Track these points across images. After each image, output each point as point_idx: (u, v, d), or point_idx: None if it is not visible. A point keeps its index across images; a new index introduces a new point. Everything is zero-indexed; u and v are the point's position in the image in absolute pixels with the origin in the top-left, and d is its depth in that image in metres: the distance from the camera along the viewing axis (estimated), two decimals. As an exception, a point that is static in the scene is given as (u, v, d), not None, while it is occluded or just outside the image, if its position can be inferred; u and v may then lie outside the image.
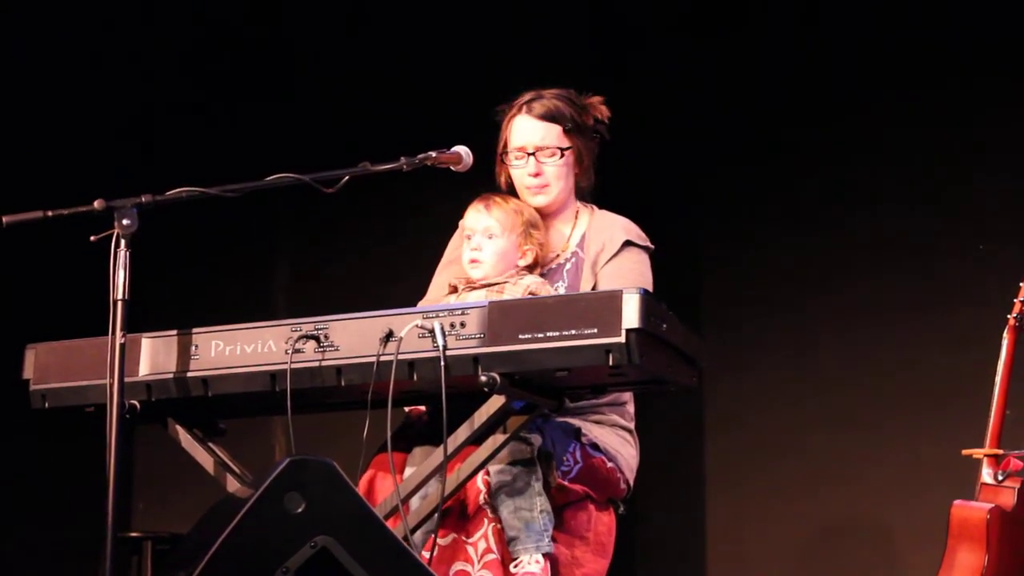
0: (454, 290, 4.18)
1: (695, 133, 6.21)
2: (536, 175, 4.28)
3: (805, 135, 6.09)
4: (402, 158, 3.94)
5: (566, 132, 4.28)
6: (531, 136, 4.29)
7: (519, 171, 4.30)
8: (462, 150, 4.05)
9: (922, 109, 5.87)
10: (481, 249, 4.16)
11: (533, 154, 4.27)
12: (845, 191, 6.04)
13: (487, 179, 4.34)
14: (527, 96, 4.32)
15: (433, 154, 3.99)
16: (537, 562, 3.79)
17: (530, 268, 4.20)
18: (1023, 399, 4.53)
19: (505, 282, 4.10)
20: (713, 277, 6.33)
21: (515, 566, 3.79)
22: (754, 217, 6.24)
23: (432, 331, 3.61)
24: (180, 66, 6.50)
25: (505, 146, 4.33)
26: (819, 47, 6.04)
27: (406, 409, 4.09)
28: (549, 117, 4.28)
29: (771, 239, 6.19)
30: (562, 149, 4.28)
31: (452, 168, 4.06)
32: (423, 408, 4.05)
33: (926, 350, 5.80)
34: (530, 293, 4.04)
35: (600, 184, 4.39)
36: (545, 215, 4.30)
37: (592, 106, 4.33)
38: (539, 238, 4.21)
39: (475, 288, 4.13)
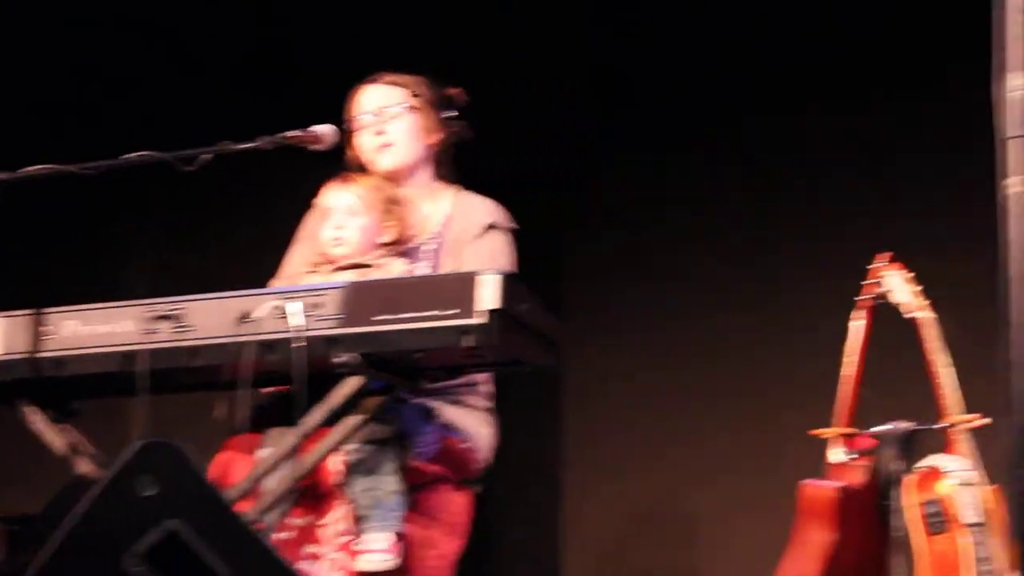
0: (315, 268, 4.17)
1: (559, 115, 6.22)
2: (380, 133, 4.28)
3: (666, 115, 6.14)
4: (262, 137, 3.92)
5: (413, 95, 4.30)
6: (374, 99, 4.32)
7: (365, 137, 4.31)
8: (323, 129, 4.04)
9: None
10: (343, 227, 4.14)
11: (377, 116, 4.29)
12: (701, 172, 6.10)
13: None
14: (376, 74, 4.36)
15: (292, 133, 3.97)
16: (385, 540, 3.79)
17: (393, 245, 4.19)
18: (871, 376, 4.60)
19: (371, 266, 4.09)
20: (575, 258, 6.38)
21: (359, 544, 3.77)
22: (617, 199, 6.29)
23: (289, 312, 3.60)
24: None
25: (350, 115, 4.33)
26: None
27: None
28: (393, 83, 4.32)
29: (630, 222, 6.25)
30: (406, 108, 4.29)
31: (312, 147, 4.04)
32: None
33: (778, 327, 5.91)
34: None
35: (464, 164, 4.40)
36: (406, 194, 4.29)
37: (449, 93, 4.35)
38: (400, 214, 4.21)
39: (341, 269, 4.11)
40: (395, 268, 4.08)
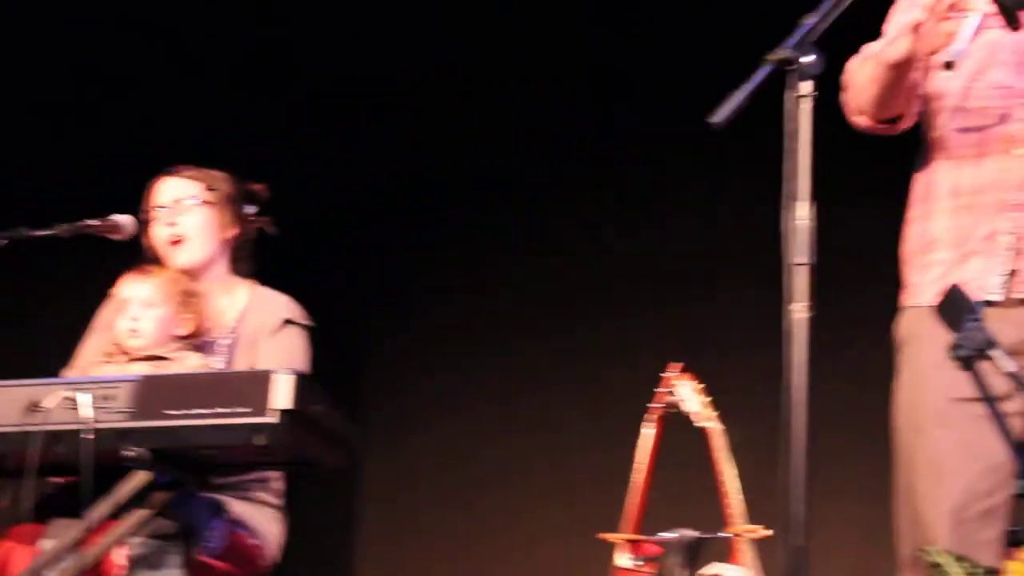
0: (109, 358, 4.13)
1: (355, 209, 6.27)
2: (172, 225, 4.26)
3: (454, 203, 6.23)
4: (60, 225, 3.89)
5: (209, 189, 4.29)
6: (170, 191, 4.30)
7: (159, 228, 4.28)
8: (122, 219, 4.01)
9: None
10: (139, 319, 4.11)
11: (173, 209, 4.27)
12: (502, 259, 6.18)
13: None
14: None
15: (91, 222, 3.94)
16: None
17: (189, 339, 4.17)
18: (660, 484, 4.67)
19: (166, 359, 4.06)
20: (375, 351, 6.39)
21: None
22: (414, 289, 6.32)
23: (80, 403, 3.57)
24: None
25: (148, 210, 4.31)
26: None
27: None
28: (191, 176, 4.31)
29: (428, 312, 6.29)
30: (201, 202, 4.28)
31: (110, 237, 4.01)
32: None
33: (575, 424, 5.98)
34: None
35: (260, 260, 4.40)
36: (202, 288, 4.26)
37: (250, 188, 4.36)
38: (197, 307, 4.18)
39: (136, 360, 4.08)
40: (190, 362, 4.06)
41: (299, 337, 4.26)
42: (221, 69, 6.33)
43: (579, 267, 6.12)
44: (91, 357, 4.24)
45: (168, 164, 4.34)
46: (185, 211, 4.28)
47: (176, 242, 4.27)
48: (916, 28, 3.22)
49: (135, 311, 4.12)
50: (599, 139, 6.07)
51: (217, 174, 4.34)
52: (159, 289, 4.14)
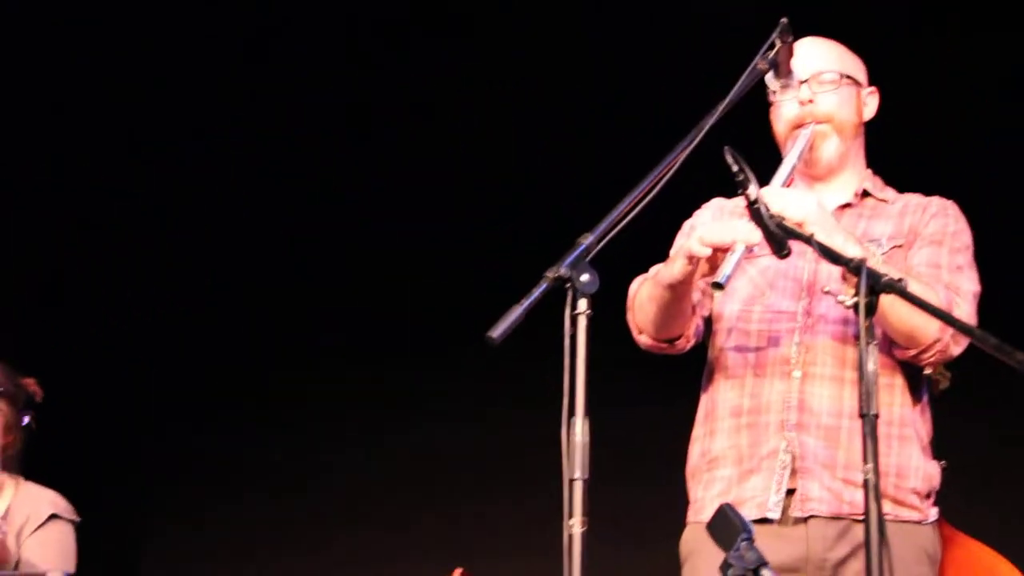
0: None
1: (134, 398, 6.18)
2: None
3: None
4: None
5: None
6: None
7: None
8: None
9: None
10: None
11: None
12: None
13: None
14: None
15: None
16: None
17: None
18: None
19: None
20: (152, 545, 6.29)
21: None
22: (197, 480, 6.24)
23: None
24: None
25: None
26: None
27: None
28: None
29: (217, 504, 6.18)
30: None
31: None
32: None
33: None
34: None
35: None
36: None
37: (27, 387, 4.33)
38: None
39: None
40: None
41: (65, 531, 4.24)
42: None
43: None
44: None
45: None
46: None
47: None
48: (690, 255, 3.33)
49: None
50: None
51: (5, 377, 4.30)
52: None
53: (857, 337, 2.93)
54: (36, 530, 4.19)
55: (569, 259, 2.94)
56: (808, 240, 3.15)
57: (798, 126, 3.52)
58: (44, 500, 4.26)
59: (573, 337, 2.89)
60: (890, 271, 3.07)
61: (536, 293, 2.92)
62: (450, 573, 4.68)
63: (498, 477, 5.85)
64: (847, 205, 3.56)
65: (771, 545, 3.17)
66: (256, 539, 6.14)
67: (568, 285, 2.91)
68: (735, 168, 3.07)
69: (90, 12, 5.99)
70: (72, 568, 4.04)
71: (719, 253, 3.26)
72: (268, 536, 6.11)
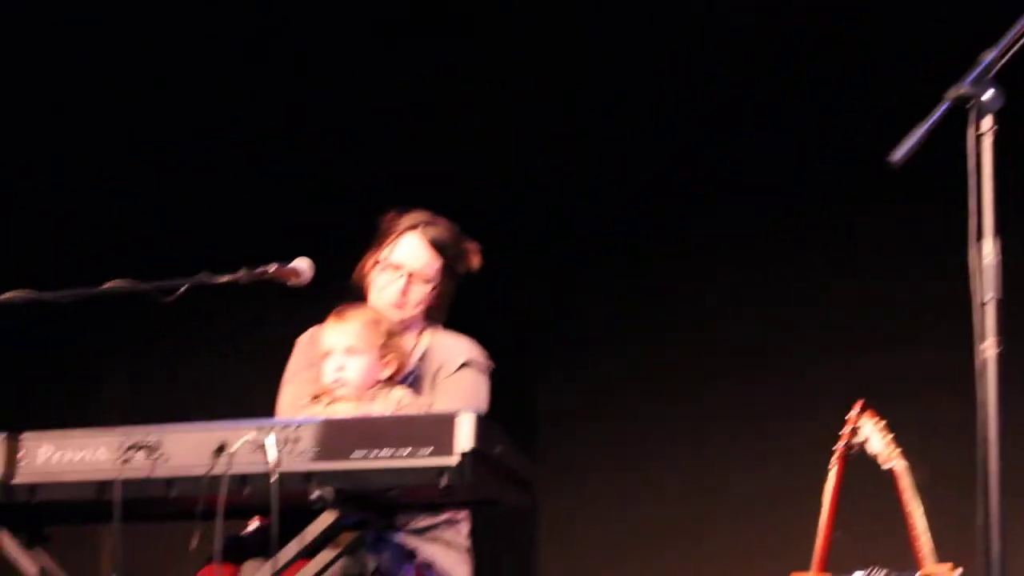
0: (316, 400, 4.08)
1: (530, 248, 6.04)
2: (404, 293, 4.30)
3: (641, 247, 6.13)
4: (242, 270, 3.87)
5: (443, 268, 4.34)
6: (415, 258, 4.33)
7: (387, 284, 4.31)
8: (302, 265, 3.99)
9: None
10: (344, 368, 4.12)
11: (409, 276, 4.31)
12: (666, 311, 6.13)
13: (325, 293, 4.28)
14: (423, 217, 4.38)
15: (272, 268, 3.92)
16: None
17: (392, 378, 4.19)
18: (848, 524, 4.69)
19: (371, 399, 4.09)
20: (551, 392, 6.30)
21: None
22: (592, 331, 6.25)
23: (265, 445, 3.56)
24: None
25: (384, 254, 4.33)
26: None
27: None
28: (437, 246, 4.34)
29: (605, 354, 6.21)
30: (435, 283, 4.33)
31: (289, 283, 3.99)
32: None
33: (757, 468, 5.88)
34: (400, 406, 4.06)
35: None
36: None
37: (469, 253, 4.42)
38: (398, 346, 4.21)
39: (341, 400, 4.09)
40: (397, 396, 4.10)
41: (479, 378, 4.32)
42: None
43: (762, 312, 6.05)
44: (293, 402, 4.23)
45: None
46: (419, 281, 4.33)
47: (399, 305, 4.31)
48: None
49: (340, 359, 4.13)
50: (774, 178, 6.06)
51: (454, 248, 4.38)
52: (362, 336, 4.15)
53: None
54: (449, 376, 4.28)
55: (970, 77, 2.83)
56: None
57: None
58: (459, 347, 4.34)
59: (977, 156, 2.83)
60: None
61: (936, 114, 2.84)
62: (854, 405, 4.80)
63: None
64: None
65: None
66: (653, 383, 6.14)
67: (970, 104, 2.83)
68: None
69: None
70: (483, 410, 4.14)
71: None
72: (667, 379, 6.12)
